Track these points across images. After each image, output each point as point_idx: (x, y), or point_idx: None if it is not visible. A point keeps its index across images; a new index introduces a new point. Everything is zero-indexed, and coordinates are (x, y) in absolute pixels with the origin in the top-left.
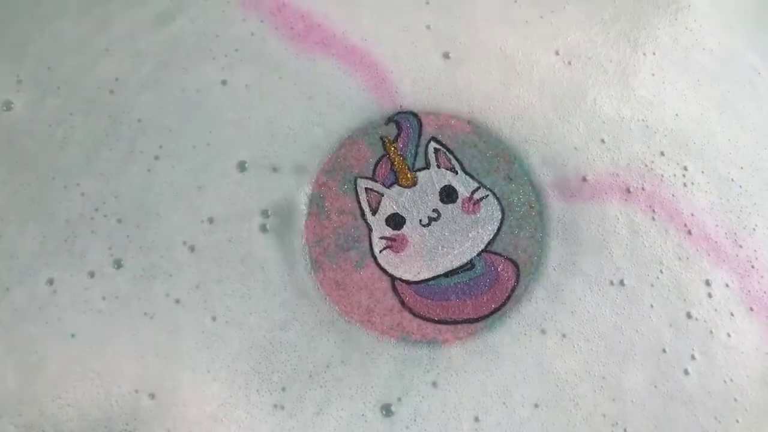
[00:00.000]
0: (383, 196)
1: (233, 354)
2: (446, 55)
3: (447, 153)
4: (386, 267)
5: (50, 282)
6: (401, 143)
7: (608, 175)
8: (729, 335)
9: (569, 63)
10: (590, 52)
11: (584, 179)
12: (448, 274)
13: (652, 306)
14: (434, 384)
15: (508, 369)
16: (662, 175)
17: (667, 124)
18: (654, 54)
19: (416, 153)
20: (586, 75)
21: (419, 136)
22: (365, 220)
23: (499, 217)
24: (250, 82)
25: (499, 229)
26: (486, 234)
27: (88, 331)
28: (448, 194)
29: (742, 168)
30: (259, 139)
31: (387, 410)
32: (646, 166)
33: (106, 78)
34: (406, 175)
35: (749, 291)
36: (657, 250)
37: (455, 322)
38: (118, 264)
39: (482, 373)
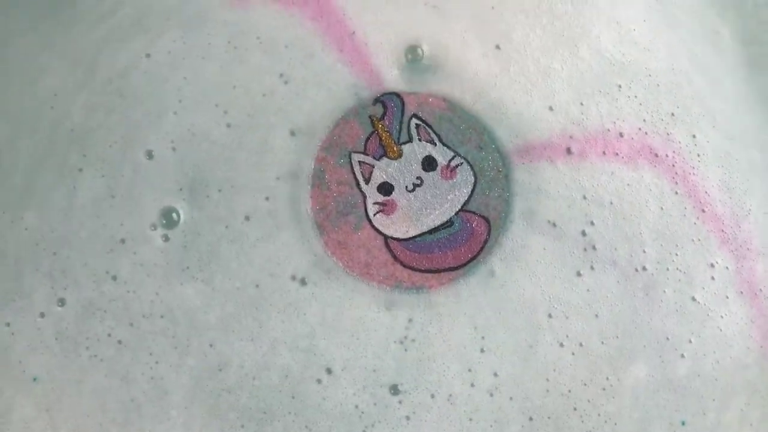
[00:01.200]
0: (374, 167)
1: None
2: (421, 42)
3: (427, 127)
4: (380, 228)
5: (8, 325)
6: (387, 121)
7: (561, 138)
8: (722, 317)
9: (528, 36)
10: (552, 25)
11: (542, 144)
12: (431, 231)
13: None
14: (423, 320)
15: (481, 305)
16: (674, 141)
17: (646, 85)
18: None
19: (400, 128)
20: (547, 47)
21: (402, 113)
22: (360, 189)
23: (473, 180)
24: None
25: (472, 191)
26: (462, 196)
27: (49, 374)
28: (429, 163)
29: (733, 140)
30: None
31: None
32: (610, 130)
33: (47, 95)
34: (393, 148)
35: (742, 274)
36: (673, 226)
37: (438, 271)
38: (61, 302)
39: (461, 310)
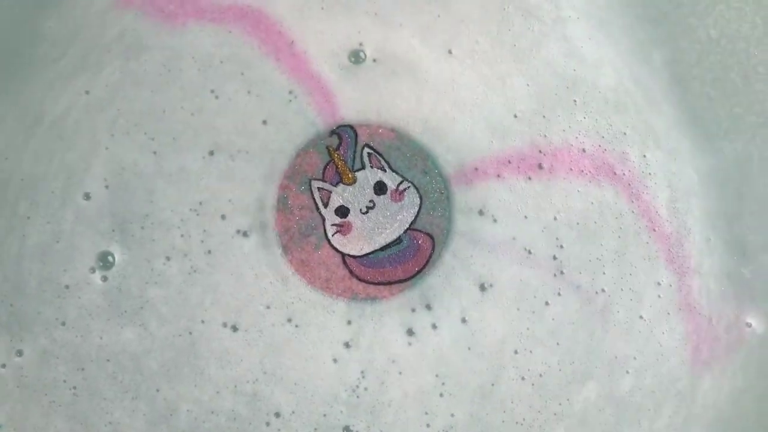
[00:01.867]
0: (332, 192)
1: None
2: (364, 46)
3: (377, 156)
4: (337, 247)
5: None
6: (342, 150)
7: (497, 162)
8: (663, 333)
9: (463, 61)
10: (481, 47)
11: (475, 168)
12: (383, 248)
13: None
14: (375, 325)
15: (435, 309)
16: (629, 160)
17: (599, 102)
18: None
19: (354, 157)
20: (480, 72)
21: (356, 143)
22: (319, 212)
23: (419, 202)
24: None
25: (418, 212)
26: (409, 216)
27: (13, 422)
28: (380, 188)
29: (674, 161)
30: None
31: (346, 345)
32: (573, 146)
33: (2, 146)
34: (348, 175)
35: (682, 291)
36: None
37: (390, 283)
38: (19, 353)
39: (409, 316)
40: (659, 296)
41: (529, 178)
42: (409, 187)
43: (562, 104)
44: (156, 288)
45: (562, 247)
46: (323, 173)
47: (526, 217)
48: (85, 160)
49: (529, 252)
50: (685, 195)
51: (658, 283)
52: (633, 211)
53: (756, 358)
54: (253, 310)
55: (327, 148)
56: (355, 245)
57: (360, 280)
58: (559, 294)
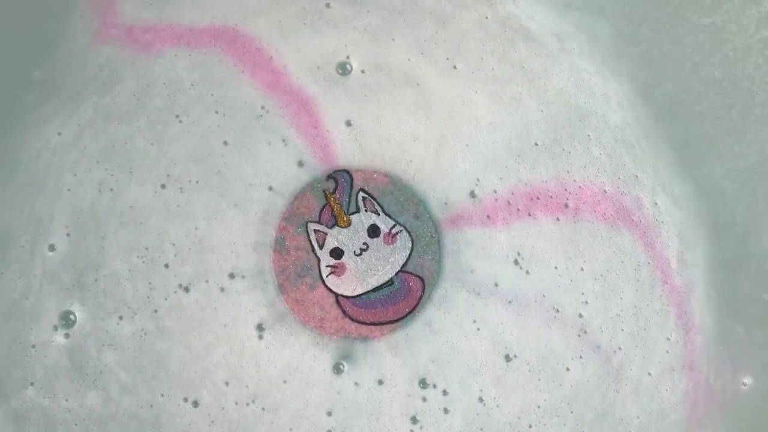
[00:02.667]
0: (327, 234)
1: None
2: (350, 59)
3: (372, 200)
4: (331, 287)
5: None
6: (338, 194)
7: (527, 197)
8: (666, 390)
9: (450, 117)
10: (488, 64)
11: (460, 214)
12: (375, 290)
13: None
14: (367, 364)
15: (418, 350)
16: (644, 206)
17: (610, 140)
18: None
19: (349, 201)
20: (491, 90)
21: (351, 187)
22: (315, 254)
23: (410, 245)
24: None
25: (410, 255)
26: (401, 258)
27: None
28: (373, 231)
29: (680, 210)
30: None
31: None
32: (594, 185)
33: None
34: (343, 218)
35: (687, 347)
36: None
37: (381, 323)
38: None
39: (400, 354)
40: (667, 352)
41: (558, 219)
42: (401, 230)
43: (577, 137)
44: (112, 352)
45: (587, 303)
46: (319, 216)
47: (556, 267)
48: (50, 206)
49: (557, 311)
50: (692, 245)
51: (668, 339)
52: (649, 262)
53: (748, 416)
54: (210, 383)
55: (324, 192)
56: (348, 286)
57: (352, 320)
58: (580, 357)
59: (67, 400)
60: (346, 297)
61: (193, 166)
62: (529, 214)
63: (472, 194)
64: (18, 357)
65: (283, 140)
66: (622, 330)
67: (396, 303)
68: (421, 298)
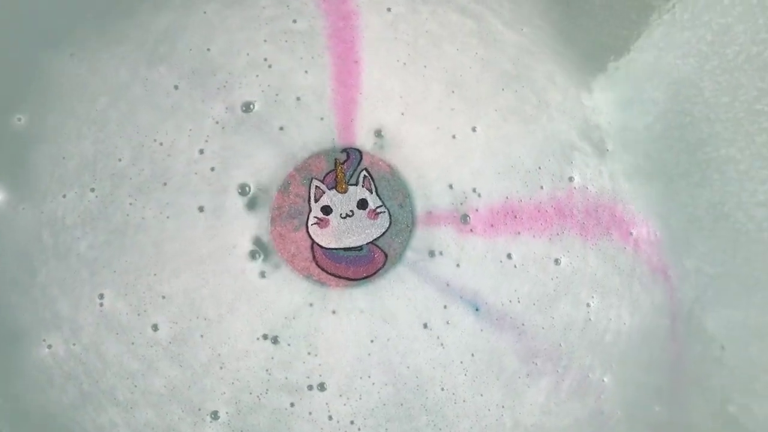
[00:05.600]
0: (324, 193)
1: None
2: (380, 132)
3: (371, 180)
4: (312, 235)
5: None
6: (346, 166)
7: (447, 212)
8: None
9: (453, 137)
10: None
11: (430, 212)
12: (345, 250)
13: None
14: (316, 306)
15: (364, 309)
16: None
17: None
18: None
19: (352, 174)
20: (470, 141)
21: (358, 164)
22: (309, 204)
23: (387, 226)
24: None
25: (384, 233)
26: (376, 233)
27: None
28: (362, 204)
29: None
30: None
31: (290, 318)
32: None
33: None
34: (342, 185)
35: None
36: None
37: (340, 277)
38: None
39: (348, 308)
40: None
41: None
42: (384, 212)
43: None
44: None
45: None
46: (324, 177)
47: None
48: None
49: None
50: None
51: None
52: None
53: None
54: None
55: (335, 159)
56: (325, 238)
57: (318, 266)
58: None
59: None
60: (321, 246)
61: (271, 107)
62: (500, 231)
63: (456, 203)
64: None
65: (322, 118)
66: None
67: (358, 266)
68: (379, 269)
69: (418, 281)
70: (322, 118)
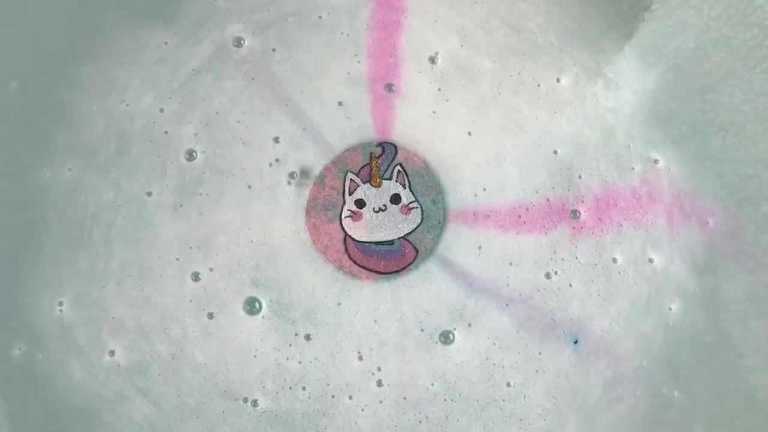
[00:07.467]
0: (359, 187)
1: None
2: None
3: (405, 175)
4: (345, 227)
5: None
6: (381, 160)
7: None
8: None
9: (474, 136)
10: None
11: (474, 214)
12: (377, 243)
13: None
14: (348, 296)
15: (392, 300)
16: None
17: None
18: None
19: (387, 168)
20: (496, 139)
21: (393, 159)
22: (343, 197)
23: (419, 221)
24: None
25: (416, 228)
26: (408, 228)
27: None
28: (395, 199)
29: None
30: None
31: (335, 303)
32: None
33: None
34: (377, 179)
35: None
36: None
37: (370, 270)
38: None
39: (376, 299)
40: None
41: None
42: (417, 207)
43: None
44: None
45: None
46: (359, 170)
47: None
48: None
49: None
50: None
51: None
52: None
53: None
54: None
55: (370, 153)
56: (357, 231)
57: (350, 258)
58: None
59: None
60: (353, 239)
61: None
62: (530, 231)
63: (483, 199)
64: None
65: (360, 127)
66: None
67: (389, 260)
68: (410, 264)
69: (448, 278)
70: (367, 120)
